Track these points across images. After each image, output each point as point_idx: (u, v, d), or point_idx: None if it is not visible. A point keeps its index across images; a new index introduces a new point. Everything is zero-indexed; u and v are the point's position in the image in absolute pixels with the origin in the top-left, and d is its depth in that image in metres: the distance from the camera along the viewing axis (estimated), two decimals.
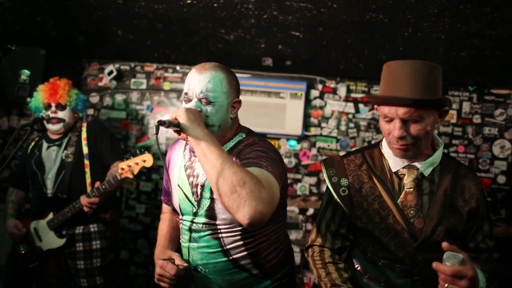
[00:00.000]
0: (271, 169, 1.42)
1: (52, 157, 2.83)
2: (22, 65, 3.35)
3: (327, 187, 1.69)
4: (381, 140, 1.68)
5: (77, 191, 2.67)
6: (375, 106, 1.57)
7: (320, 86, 4.14)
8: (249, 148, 1.55)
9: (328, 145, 4.12)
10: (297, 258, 4.05)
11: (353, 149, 4.10)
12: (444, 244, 1.32)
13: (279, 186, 1.41)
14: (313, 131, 4.13)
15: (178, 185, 1.67)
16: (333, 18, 2.76)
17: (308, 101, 4.11)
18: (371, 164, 1.63)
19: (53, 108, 2.80)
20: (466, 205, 1.53)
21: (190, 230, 1.63)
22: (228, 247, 1.58)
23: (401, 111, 1.41)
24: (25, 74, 3.35)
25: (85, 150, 2.82)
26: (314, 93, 4.13)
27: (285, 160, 4.12)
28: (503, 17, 2.50)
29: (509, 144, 3.94)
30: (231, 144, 1.64)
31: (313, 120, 4.13)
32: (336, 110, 4.13)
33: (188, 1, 2.68)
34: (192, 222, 1.62)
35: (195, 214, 1.61)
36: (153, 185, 4.18)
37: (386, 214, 1.55)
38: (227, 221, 1.55)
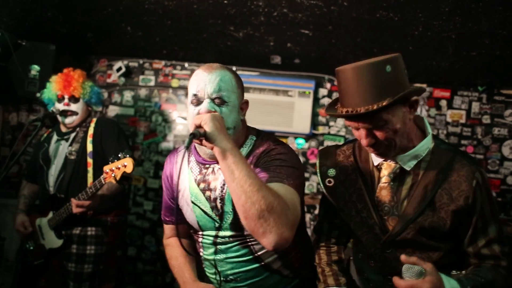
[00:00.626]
0: (293, 182, 1.38)
1: (58, 152, 2.73)
2: (32, 60, 3.36)
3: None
4: None
5: (76, 191, 2.49)
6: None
7: (328, 85, 4.13)
8: (267, 156, 1.48)
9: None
10: None
11: None
12: (402, 257, 1.27)
13: (299, 197, 1.39)
14: (321, 129, 4.12)
15: (193, 202, 1.58)
16: (343, 16, 2.75)
17: (316, 100, 4.10)
18: (357, 156, 1.58)
19: (66, 101, 2.68)
20: (451, 203, 1.39)
21: (215, 244, 1.57)
22: (259, 253, 1.54)
23: (362, 124, 1.35)
24: (35, 69, 3.36)
25: (89, 147, 2.66)
26: (323, 91, 4.12)
27: None
28: None
29: None
30: (245, 149, 1.56)
31: (321, 118, 4.12)
32: None
33: None
34: (216, 236, 1.56)
35: (219, 229, 1.54)
36: (160, 181, 4.18)
37: (362, 207, 1.50)
38: None
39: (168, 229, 1.80)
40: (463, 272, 1.40)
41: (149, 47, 3.88)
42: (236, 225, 1.49)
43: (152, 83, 4.26)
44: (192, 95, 1.47)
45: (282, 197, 1.26)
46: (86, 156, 2.65)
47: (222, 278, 1.60)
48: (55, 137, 2.80)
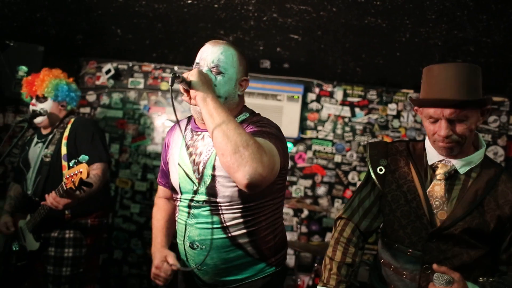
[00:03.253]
0: (274, 142, 1.46)
1: (36, 154, 2.65)
2: (20, 61, 3.33)
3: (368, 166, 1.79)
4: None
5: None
6: (415, 108, 1.65)
7: (317, 90, 4.17)
8: (253, 124, 1.58)
9: (324, 148, 4.14)
10: (291, 261, 4.05)
11: (348, 152, 4.13)
12: (434, 266, 1.42)
13: (280, 159, 1.44)
14: (309, 134, 4.15)
15: (179, 164, 1.68)
16: (332, 22, 2.78)
17: (305, 104, 4.14)
18: (412, 153, 1.71)
19: (33, 101, 2.63)
20: (497, 209, 1.52)
21: (189, 207, 1.63)
22: (228, 223, 1.58)
23: (447, 112, 1.47)
24: (22, 70, 3.33)
25: (64, 150, 2.56)
26: (311, 96, 4.16)
27: None
28: (498, 25, 2.53)
29: (502, 151, 3.98)
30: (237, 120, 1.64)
31: (310, 123, 4.15)
32: (332, 114, 4.16)
33: (189, 1, 2.69)
34: (191, 200, 1.62)
35: (196, 192, 1.61)
36: (148, 185, 4.17)
37: (412, 198, 1.62)
38: (229, 199, 1.56)
39: (161, 190, 1.96)
40: (490, 279, 1.51)
41: (139, 49, 3.87)
42: (212, 190, 1.56)
43: (141, 86, 4.25)
44: (195, 63, 1.61)
45: (259, 142, 1.33)
46: (61, 158, 2.57)
47: (188, 244, 1.64)
48: (35, 140, 2.74)
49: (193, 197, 1.61)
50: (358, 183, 4.06)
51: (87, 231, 2.64)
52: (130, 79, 4.25)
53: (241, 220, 1.59)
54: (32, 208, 2.55)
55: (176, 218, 1.74)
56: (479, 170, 1.60)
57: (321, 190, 4.12)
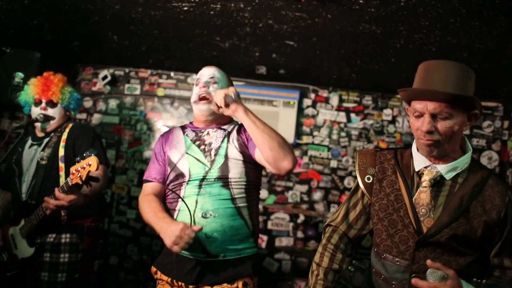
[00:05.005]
0: None
1: (31, 157, 2.60)
2: (16, 67, 3.33)
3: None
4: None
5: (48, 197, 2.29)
6: (406, 107, 1.64)
7: (312, 95, 4.19)
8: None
9: (320, 154, 4.16)
10: (288, 266, 4.06)
11: (344, 158, 4.15)
12: (428, 261, 1.39)
13: None
14: (305, 139, 4.17)
15: (187, 153, 2.00)
16: (327, 28, 2.81)
17: (300, 110, 4.16)
18: (399, 161, 1.71)
19: (43, 105, 2.61)
20: (484, 214, 1.50)
21: (200, 184, 1.92)
22: (235, 196, 1.93)
23: (431, 106, 1.46)
24: (19, 76, 3.33)
25: (61, 152, 2.56)
26: (307, 102, 4.18)
27: None
28: (491, 31, 2.57)
29: (496, 156, 4.01)
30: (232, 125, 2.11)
31: (305, 128, 4.17)
32: (328, 119, 4.18)
33: (185, 8, 2.71)
34: (203, 179, 1.92)
35: (207, 172, 1.93)
36: None
37: (399, 207, 1.61)
38: (238, 175, 1.94)
39: (149, 187, 2.09)
40: (484, 281, 1.50)
41: (135, 56, 3.89)
42: (224, 169, 1.93)
43: (138, 92, 4.26)
44: (196, 79, 2.11)
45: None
46: (58, 160, 2.55)
47: (200, 215, 1.88)
48: (29, 142, 2.69)
49: (205, 176, 1.92)
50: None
51: (84, 235, 2.58)
52: (127, 85, 4.26)
53: (244, 194, 1.95)
54: (27, 212, 2.47)
55: (177, 199, 1.96)
56: (466, 175, 1.57)
57: (317, 195, 4.14)
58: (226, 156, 1.96)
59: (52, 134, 2.65)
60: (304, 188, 4.15)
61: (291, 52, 3.34)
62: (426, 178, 1.59)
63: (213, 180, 1.92)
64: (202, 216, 1.88)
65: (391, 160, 1.72)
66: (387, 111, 4.18)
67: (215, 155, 1.97)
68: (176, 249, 1.75)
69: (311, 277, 1.73)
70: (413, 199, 1.60)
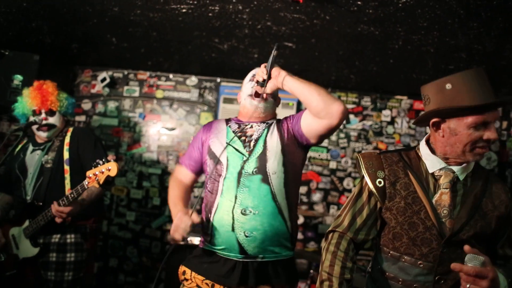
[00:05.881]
0: None
1: (35, 161, 2.68)
2: (15, 70, 3.33)
3: (362, 177, 1.76)
4: (417, 145, 1.77)
5: (54, 198, 2.43)
6: (434, 120, 1.62)
7: None
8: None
9: (319, 155, 4.16)
10: None
11: (343, 159, 4.15)
12: (466, 247, 1.38)
13: None
14: None
15: (227, 143, 1.98)
16: (325, 30, 2.81)
17: (299, 111, 4.15)
18: (408, 163, 1.71)
19: (43, 115, 2.67)
20: (495, 210, 1.58)
21: (239, 178, 1.87)
22: (275, 192, 1.87)
23: (496, 115, 1.54)
24: (18, 79, 3.33)
25: (66, 155, 2.65)
26: None
27: None
28: (489, 32, 2.57)
29: (495, 156, 4.02)
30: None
31: None
32: None
33: (184, 10, 2.72)
34: (241, 170, 1.88)
35: (245, 162, 1.90)
36: (143, 192, 4.17)
37: (419, 209, 1.61)
38: (275, 166, 1.88)
39: (179, 170, 2.17)
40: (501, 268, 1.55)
41: (134, 58, 3.89)
42: (261, 158, 1.89)
43: (137, 94, 4.26)
44: (252, 75, 2.10)
45: None
46: (63, 163, 2.63)
47: (240, 211, 1.83)
48: (30, 148, 2.77)
49: (243, 165, 1.89)
50: (353, 189, 4.07)
51: (87, 235, 2.67)
52: (126, 87, 4.27)
53: (283, 189, 1.89)
54: (32, 213, 2.55)
55: (216, 191, 1.93)
56: (471, 174, 1.64)
57: (316, 196, 4.14)
58: (264, 146, 1.93)
59: (54, 138, 2.73)
60: (303, 189, 4.15)
61: (290, 53, 3.34)
62: (446, 180, 1.62)
63: (251, 172, 1.88)
64: (242, 213, 1.84)
65: (398, 162, 1.71)
66: (386, 112, 4.19)
67: (254, 145, 1.95)
68: (177, 237, 1.77)
69: (322, 287, 1.62)
70: (434, 200, 1.61)
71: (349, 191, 4.13)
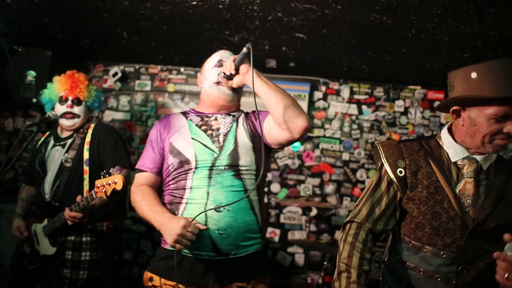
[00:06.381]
0: None
1: (55, 158, 2.66)
2: (28, 66, 3.37)
3: (381, 166, 1.73)
4: (437, 133, 1.74)
5: (72, 199, 2.41)
6: (454, 108, 1.59)
7: (323, 88, 4.16)
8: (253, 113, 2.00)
9: (332, 146, 4.14)
10: (301, 259, 4.06)
11: (356, 150, 4.12)
12: (507, 236, 1.34)
13: None
14: (317, 132, 4.14)
15: (193, 138, 1.85)
16: (337, 20, 2.78)
17: (311, 103, 4.13)
18: (429, 151, 1.68)
19: (69, 102, 2.63)
20: None
21: (210, 174, 1.78)
22: (248, 188, 1.80)
23: None
24: (31, 75, 3.37)
25: (86, 155, 2.60)
26: (318, 94, 4.16)
27: (289, 161, 4.14)
28: (506, 18, 2.51)
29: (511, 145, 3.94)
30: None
31: (317, 121, 4.14)
32: (339, 112, 4.15)
33: (194, 3, 2.71)
34: (212, 167, 1.78)
35: (216, 158, 1.80)
36: None
37: (441, 199, 1.59)
38: (247, 163, 1.81)
39: (142, 177, 1.92)
40: None
41: (145, 52, 3.90)
42: (234, 155, 1.81)
43: (148, 88, 4.27)
44: (217, 60, 1.94)
45: None
46: (83, 163, 2.60)
47: (214, 207, 1.72)
48: (51, 142, 2.75)
49: (214, 163, 1.78)
50: (367, 181, 4.05)
51: (103, 235, 2.66)
52: (137, 82, 4.28)
53: (254, 186, 1.81)
54: (50, 213, 2.56)
55: (184, 189, 1.79)
56: (494, 164, 1.60)
57: (329, 188, 4.12)
58: (235, 142, 1.84)
59: (75, 135, 2.69)
60: (316, 181, 4.13)
61: (301, 44, 3.31)
62: (470, 169, 1.59)
63: (223, 168, 1.78)
64: (216, 210, 1.73)
65: (419, 151, 1.68)
66: (399, 103, 4.14)
67: (224, 140, 1.84)
68: (178, 247, 1.61)
69: (339, 278, 1.58)
70: (458, 189, 1.59)
71: (362, 182, 4.10)
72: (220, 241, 1.73)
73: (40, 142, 2.85)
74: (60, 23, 3.22)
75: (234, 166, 1.79)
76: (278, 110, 1.70)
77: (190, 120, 1.93)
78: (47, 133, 2.89)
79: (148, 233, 4.16)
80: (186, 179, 1.80)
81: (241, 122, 1.90)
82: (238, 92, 1.96)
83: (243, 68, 1.80)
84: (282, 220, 4.11)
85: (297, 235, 4.09)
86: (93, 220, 2.59)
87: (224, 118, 1.91)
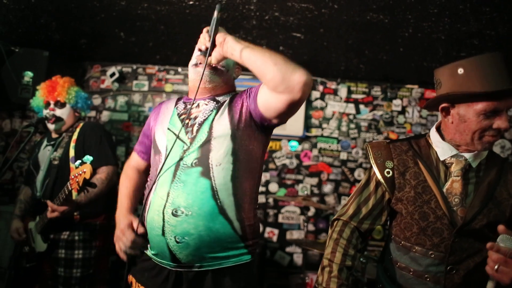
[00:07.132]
0: None
1: (45, 157, 2.70)
2: (25, 66, 3.37)
3: (370, 167, 1.73)
4: (427, 132, 1.73)
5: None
6: (443, 105, 1.57)
7: (321, 87, 4.17)
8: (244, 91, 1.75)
9: (329, 146, 4.14)
10: (299, 259, 4.06)
11: (354, 149, 4.12)
12: (501, 227, 1.33)
13: None
14: (314, 132, 4.15)
15: (168, 128, 1.68)
16: (334, 19, 2.78)
17: (309, 102, 4.14)
18: (418, 151, 1.67)
19: (52, 106, 2.70)
20: (510, 198, 1.54)
21: (176, 171, 1.54)
22: (218, 188, 1.51)
23: (509, 103, 1.46)
24: (28, 75, 3.37)
25: (72, 153, 2.63)
26: (315, 94, 4.16)
27: (287, 161, 4.14)
28: (502, 17, 2.52)
29: (509, 144, 3.95)
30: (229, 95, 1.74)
31: (314, 121, 4.15)
32: (337, 111, 4.15)
33: (191, 3, 2.70)
34: (179, 162, 1.55)
35: (185, 152, 1.57)
36: None
37: (429, 199, 1.58)
38: (220, 157, 1.54)
39: (133, 158, 1.95)
40: None
41: (142, 52, 3.89)
42: (204, 148, 1.55)
43: (146, 88, 4.27)
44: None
45: None
46: (69, 161, 2.62)
47: (171, 211, 1.50)
48: (45, 143, 2.81)
49: (183, 156, 1.56)
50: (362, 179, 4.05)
51: (96, 232, 2.67)
52: (135, 82, 4.27)
53: (230, 185, 1.54)
54: (41, 209, 2.58)
55: (150, 187, 1.62)
56: (485, 162, 1.59)
57: (327, 187, 4.12)
58: (209, 132, 1.57)
59: (64, 134, 2.75)
60: (314, 180, 4.13)
61: (298, 44, 3.31)
62: (457, 168, 1.58)
63: (190, 164, 1.53)
64: (173, 214, 1.49)
65: (408, 151, 1.68)
66: (397, 102, 4.14)
67: (198, 131, 1.59)
68: (117, 249, 1.56)
69: (322, 273, 1.64)
70: (445, 189, 1.58)
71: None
72: (178, 251, 1.51)
73: (35, 144, 2.91)
74: (57, 23, 3.21)
75: (203, 161, 1.53)
76: (269, 71, 1.42)
77: (177, 107, 1.76)
78: (43, 135, 2.94)
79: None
80: (156, 174, 1.61)
81: (224, 107, 1.63)
82: (221, 71, 1.72)
83: (219, 37, 1.53)
84: (280, 219, 4.11)
85: (295, 234, 4.09)
86: (85, 216, 2.60)
87: (206, 105, 1.66)
